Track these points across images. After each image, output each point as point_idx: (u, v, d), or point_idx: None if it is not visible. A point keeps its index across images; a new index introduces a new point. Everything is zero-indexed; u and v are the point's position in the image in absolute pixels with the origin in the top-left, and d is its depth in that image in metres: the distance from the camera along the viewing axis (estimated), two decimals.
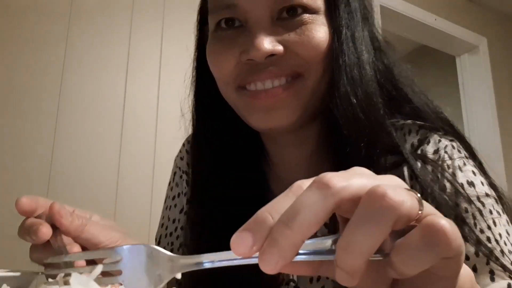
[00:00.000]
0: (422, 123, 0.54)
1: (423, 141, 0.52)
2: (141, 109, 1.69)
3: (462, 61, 3.06)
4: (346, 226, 0.23)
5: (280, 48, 0.47)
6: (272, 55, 0.47)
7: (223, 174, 0.57)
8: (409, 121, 0.54)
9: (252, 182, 0.58)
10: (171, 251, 0.64)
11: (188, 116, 0.61)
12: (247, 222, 0.24)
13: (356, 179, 0.24)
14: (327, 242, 0.24)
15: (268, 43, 0.46)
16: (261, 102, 0.48)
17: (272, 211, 0.24)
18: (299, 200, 0.24)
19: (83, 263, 0.36)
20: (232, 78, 0.50)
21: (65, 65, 1.57)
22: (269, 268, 0.23)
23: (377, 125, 0.49)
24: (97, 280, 0.31)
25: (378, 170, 0.50)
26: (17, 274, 0.38)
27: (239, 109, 0.52)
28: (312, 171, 0.54)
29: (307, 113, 0.50)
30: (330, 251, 0.24)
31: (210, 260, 0.26)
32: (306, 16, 0.48)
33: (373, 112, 0.49)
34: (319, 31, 0.48)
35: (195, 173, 0.61)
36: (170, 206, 0.68)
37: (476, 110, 2.94)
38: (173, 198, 0.68)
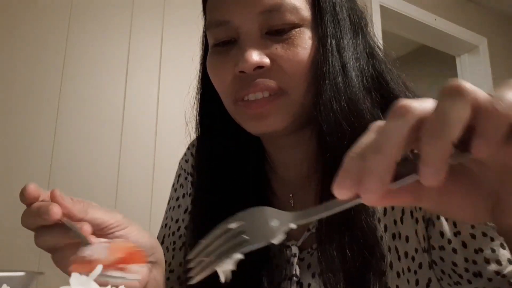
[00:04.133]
0: None
1: None
2: (141, 109, 1.69)
3: (462, 61, 3.06)
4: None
5: (267, 60, 0.51)
6: (260, 67, 0.51)
7: (227, 175, 0.60)
8: None
9: (255, 182, 0.60)
10: (173, 250, 0.66)
11: (192, 124, 0.64)
12: (340, 169, 0.26)
13: (430, 103, 0.26)
14: (410, 165, 0.26)
15: (256, 55, 0.50)
16: (252, 111, 0.52)
17: (357, 149, 0.26)
18: (381, 128, 0.26)
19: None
20: (229, 91, 0.54)
21: (65, 65, 1.57)
22: (373, 196, 0.25)
23: (361, 130, 0.50)
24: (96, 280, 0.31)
25: None
26: (17, 274, 0.38)
27: (236, 118, 0.56)
28: (310, 171, 0.57)
29: (297, 120, 0.53)
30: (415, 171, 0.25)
31: (320, 211, 0.29)
32: (294, 30, 0.51)
33: (357, 119, 0.51)
34: (305, 44, 0.51)
35: (199, 174, 0.64)
36: (174, 207, 0.69)
37: None
38: (177, 199, 0.70)
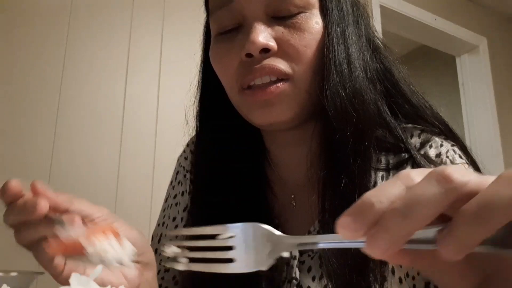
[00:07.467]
0: (422, 127, 0.55)
1: (425, 144, 0.53)
2: (141, 109, 1.69)
3: (462, 61, 3.06)
4: (455, 218, 0.23)
5: (273, 44, 0.49)
6: (267, 51, 0.49)
7: (226, 175, 0.59)
8: (409, 125, 0.55)
9: (255, 182, 0.59)
10: None
11: (192, 122, 0.63)
12: (353, 205, 0.24)
13: (474, 177, 0.23)
14: (430, 233, 0.24)
15: (262, 37, 0.49)
16: (259, 98, 0.50)
17: (380, 196, 0.24)
18: (418, 190, 0.23)
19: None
20: (235, 79, 0.52)
21: (65, 65, 1.57)
22: (378, 253, 0.23)
23: (365, 119, 0.51)
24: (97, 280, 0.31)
25: (368, 166, 0.51)
26: (17, 274, 0.38)
27: (242, 109, 0.54)
28: (311, 172, 0.56)
29: (304, 111, 0.52)
30: (432, 241, 0.24)
31: (317, 241, 0.27)
32: (300, 15, 0.51)
33: (361, 107, 0.50)
34: (312, 30, 0.51)
35: (198, 173, 0.63)
36: (171, 205, 0.68)
37: (476, 110, 2.94)
38: (175, 196, 0.69)
